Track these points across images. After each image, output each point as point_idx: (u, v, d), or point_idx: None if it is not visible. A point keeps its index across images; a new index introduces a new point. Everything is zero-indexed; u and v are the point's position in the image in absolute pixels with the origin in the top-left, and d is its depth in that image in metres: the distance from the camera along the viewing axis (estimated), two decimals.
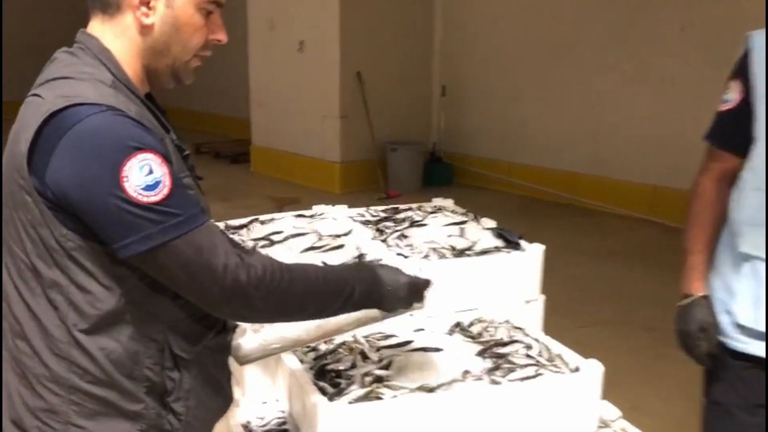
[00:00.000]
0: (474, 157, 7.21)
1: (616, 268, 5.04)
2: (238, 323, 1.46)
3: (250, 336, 1.48)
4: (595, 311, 4.32)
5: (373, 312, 1.44)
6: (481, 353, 1.76)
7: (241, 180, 7.69)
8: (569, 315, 3.92)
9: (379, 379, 1.60)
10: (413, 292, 1.44)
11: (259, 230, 2.27)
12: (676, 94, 5.73)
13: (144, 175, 1.10)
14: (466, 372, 1.65)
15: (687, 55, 5.62)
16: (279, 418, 1.82)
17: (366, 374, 1.60)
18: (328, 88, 6.88)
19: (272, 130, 7.66)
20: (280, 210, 6.11)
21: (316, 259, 2.01)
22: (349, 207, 2.51)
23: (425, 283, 1.46)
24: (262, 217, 2.38)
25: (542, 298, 2.13)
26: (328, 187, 6.97)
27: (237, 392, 1.90)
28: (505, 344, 1.80)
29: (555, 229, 5.69)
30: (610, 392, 1.75)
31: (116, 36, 1.23)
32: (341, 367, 1.64)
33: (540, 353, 1.77)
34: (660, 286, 4.62)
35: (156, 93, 1.34)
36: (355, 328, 1.50)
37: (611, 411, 1.76)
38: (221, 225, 2.34)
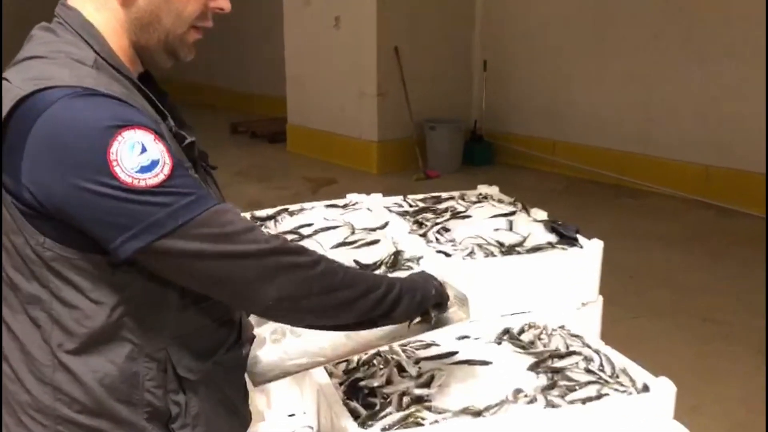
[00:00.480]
0: (517, 135, 6.93)
1: (669, 253, 4.75)
2: (255, 335, 1.28)
3: (269, 349, 1.30)
4: (648, 300, 4.05)
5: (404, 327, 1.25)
6: (534, 367, 1.55)
7: (278, 160, 7.51)
8: (620, 304, 3.64)
9: (418, 400, 1.40)
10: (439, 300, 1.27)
11: (287, 222, 2.09)
12: (734, 68, 5.37)
13: (137, 155, 0.92)
14: (518, 391, 1.45)
15: (748, 25, 5.25)
16: None
17: (404, 393, 1.41)
18: (365, 65, 6.65)
19: (308, 109, 7.46)
20: (315, 191, 5.97)
21: (348, 256, 1.81)
22: (387, 190, 2.32)
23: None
24: (291, 207, 2.19)
25: (600, 299, 1.91)
26: (366, 167, 6.77)
27: (262, 403, 1.72)
28: (561, 356, 1.59)
29: (602, 211, 5.41)
30: None
31: (97, 8, 1.04)
32: (375, 384, 1.45)
33: (602, 367, 1.55)
34: (716, 274, 4.34)
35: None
36: (388, 343, 1.31)
37: None
38: (247, 215, 2.16)
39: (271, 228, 2.06)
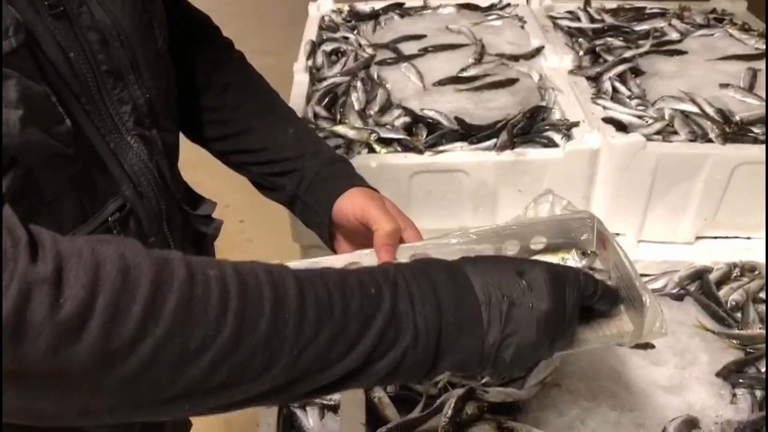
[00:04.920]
0: None
1: None
2: None
3: None
4: None
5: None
6: (732, 371, 0.83)
7: None
8: None
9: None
10: (570, 319, 0.53)
11: (391, 27, 1.38)
12: None
13: None
14: (689, 424, 0.77)
15: None
16: None
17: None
18: None
19: None
20: None
21: (455, 102, 1.11)
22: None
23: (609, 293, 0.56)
24: (409, 2, 1.47)
25: None
26: None
27: None
28: None
29: None
30: None
31: None
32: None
33: None
34: None
35: None
36: None
37: None
38: (344, 7, 1.48)
39: (367, 34, 1.37)
